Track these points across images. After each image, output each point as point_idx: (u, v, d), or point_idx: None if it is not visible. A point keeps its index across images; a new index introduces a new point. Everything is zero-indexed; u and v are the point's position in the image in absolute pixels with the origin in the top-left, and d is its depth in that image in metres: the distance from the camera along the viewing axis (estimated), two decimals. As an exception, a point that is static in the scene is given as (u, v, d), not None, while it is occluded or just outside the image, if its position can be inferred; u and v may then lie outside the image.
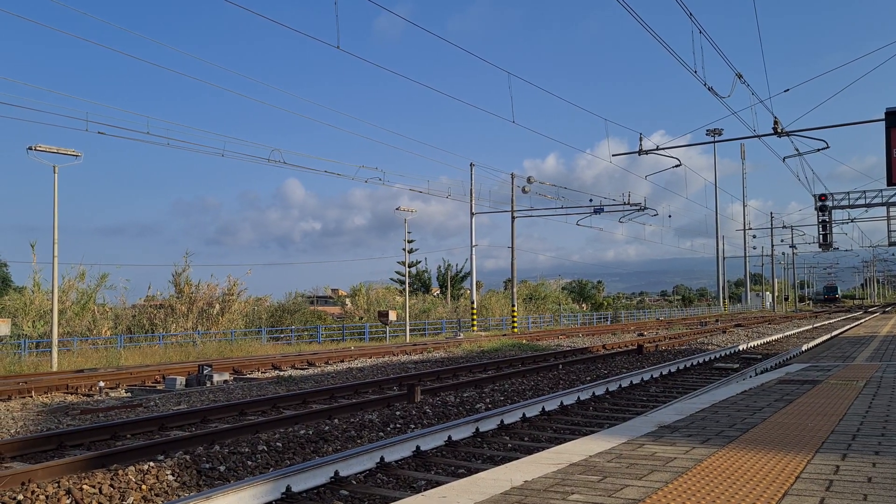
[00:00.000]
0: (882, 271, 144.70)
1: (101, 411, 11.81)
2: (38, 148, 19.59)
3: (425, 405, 11.06)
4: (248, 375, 17.34)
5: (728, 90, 20.34)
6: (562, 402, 10.72)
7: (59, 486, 6.39)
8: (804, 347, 21.64)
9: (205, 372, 15.57)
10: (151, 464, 7.06)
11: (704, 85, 19.40)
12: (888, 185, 15.25)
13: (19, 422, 10.96)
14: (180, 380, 15.15)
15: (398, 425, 9.61)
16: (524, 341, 28.00)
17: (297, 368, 18.96)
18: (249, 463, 7.45)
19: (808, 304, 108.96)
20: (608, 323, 55.52)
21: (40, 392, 14.34)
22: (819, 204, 30.37)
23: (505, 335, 33.67)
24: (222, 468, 7.19)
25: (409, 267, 43.13)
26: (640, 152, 25.59)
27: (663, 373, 15.23)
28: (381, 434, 9.08)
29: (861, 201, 34.39)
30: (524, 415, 9.67)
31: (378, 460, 6.96)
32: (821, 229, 30.48)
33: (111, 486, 6.45)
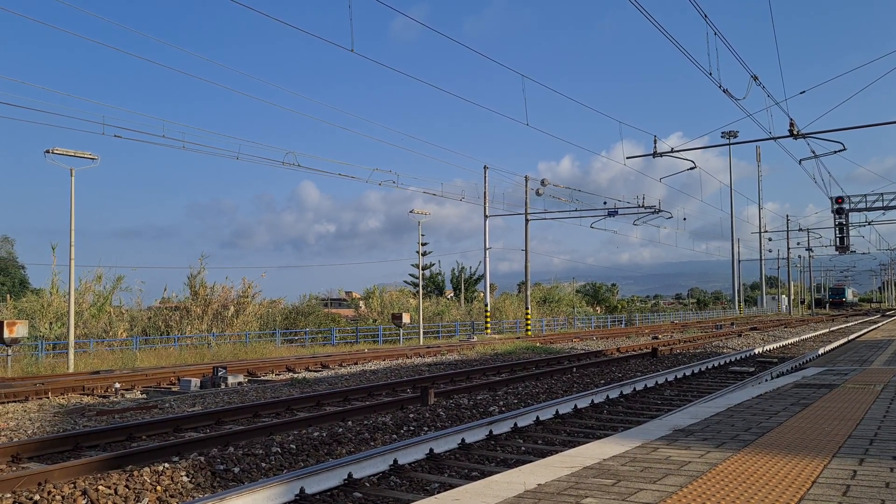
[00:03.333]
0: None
1: (117, 412, 11.89)
2: (55, 151, 19.78)
3: (438, 408, 11.05)
4: (262, 377, 17.40)
5: (743, 92, 20.22)
6: (575, 406, 10.68)
7: (75, 487, 6.44)
8: (820, 351, 21.45)
9: (219, 374, 15.65)
10: (166, 465, 7.10)
11: (720, 87, 19.30)
12: None
13: (36, 423, 11.06)
14: (195, 381, 15.23)
15: (411, 428, 9.61)
16: (538, 344, 27.94)
17: (310, 370, 19.01)
18: (263, 465, 7.47)
19: (826, 308, 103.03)
20: (622, 326, 55.27)
21: (57, 393, 14.46)
22: (835, 206, 30.09)
23: (518, 338, 33.60)
24: (236, 470, 7.22)
25: (423, 269, 43.18)
26: (655, 155, 25.47)
27: (678, 376, 15.14)
28: (395, 436, 9.08)
29: (878, 203, 34.05)
30: (538, 418, 9.65)
31: (391, 463, 6.97)
32: (837, 232, 30.19)
33: (126, 486, 6.49)
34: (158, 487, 6.56)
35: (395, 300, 46.59)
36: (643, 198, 39.66)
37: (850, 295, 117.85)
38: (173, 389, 15.36)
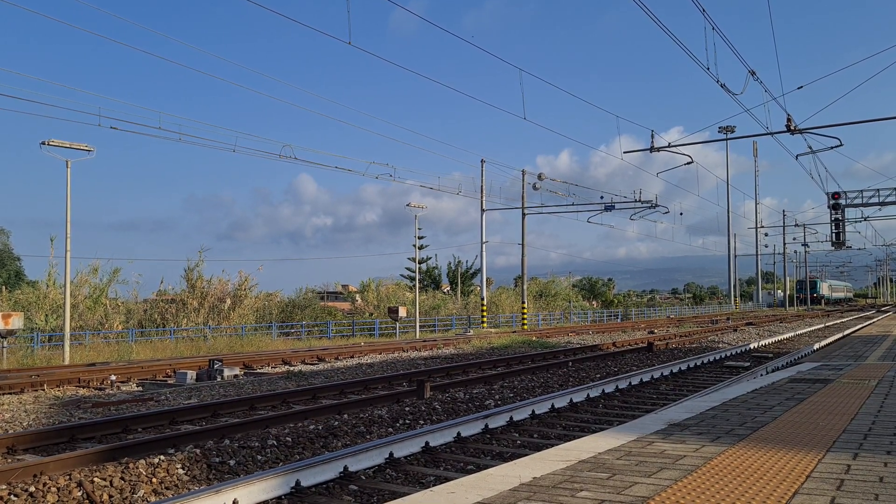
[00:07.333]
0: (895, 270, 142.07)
1: (113, 405, 11.88)
2: (51, 143, 19.70)
3: (435, 401, 11.06)
4: (258, 370, 17.40)
5: (741, 87, 20.22)
6: (571, 400, 10.70)
7: (70, 479, 6.43)
8: (816, 346, 21.50)
9: (215, 366, 15.65)
10: (162, 457, 7.10)
11: (717, 82, 19.29)
12: None
13: (32, 415, 11.05)
14: (191, 374, 15.22)
15: (407, 421, 9.62)
16: (534, 338, 27.97)
17: (307, 364, 19.01)
18: (259, 457, 7.48)
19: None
20: (618, 320, 55.36)
21: (52, 385, 14.45)
22: (832, 202, 30.17)
23: (515, 332, 33.64)
24: (232, 462, 7.22)
25: (420, 263, 43.17)
26: (652, 149, 25.47)
27: (673, 371, 15.17)
28: (391, 430, 9.09)
29: (875, 199, 34.16)
30: (533, 411, 9.66)
31: (387, 456, 6.97)
32: (833, 228, 30.30)
33: (122, 479, 6.49)
34: (154, 480, 6.56)
35: (392, 294, 46.58)
36: (640, 192, 39.69)
37: (824, 289, 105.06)
38: (169, 382, 15.35)
